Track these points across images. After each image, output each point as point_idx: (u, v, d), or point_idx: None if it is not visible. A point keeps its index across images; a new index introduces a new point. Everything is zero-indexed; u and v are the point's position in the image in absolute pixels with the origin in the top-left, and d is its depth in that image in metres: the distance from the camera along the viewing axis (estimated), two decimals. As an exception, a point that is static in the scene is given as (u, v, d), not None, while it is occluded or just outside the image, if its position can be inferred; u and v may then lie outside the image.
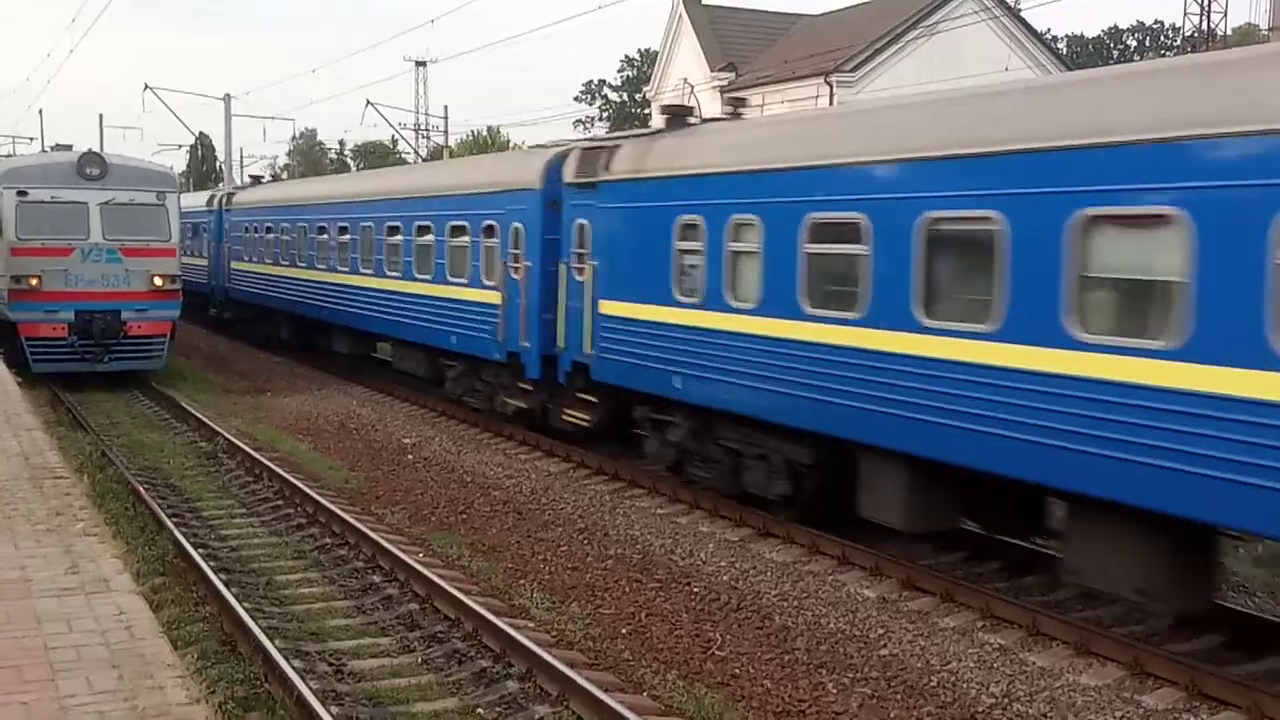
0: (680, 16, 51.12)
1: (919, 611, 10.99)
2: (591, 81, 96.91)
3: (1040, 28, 47.57)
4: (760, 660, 9.93)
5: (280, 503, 15.10)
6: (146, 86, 51.02)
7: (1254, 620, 10.60)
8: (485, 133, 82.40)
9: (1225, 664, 9.53)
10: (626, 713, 8.04)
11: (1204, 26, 49.99)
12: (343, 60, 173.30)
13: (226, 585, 10.94)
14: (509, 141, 78.73)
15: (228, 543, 13.27)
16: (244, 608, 10.22)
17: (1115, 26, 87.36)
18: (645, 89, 59.56)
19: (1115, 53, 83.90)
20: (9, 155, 46.05)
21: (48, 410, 20.09)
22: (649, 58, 71.82)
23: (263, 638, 9.38)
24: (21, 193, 23.34)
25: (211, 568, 11.52)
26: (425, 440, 19.62)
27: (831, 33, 46.15)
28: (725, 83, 48.11)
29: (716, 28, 50.13)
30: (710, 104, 48.29)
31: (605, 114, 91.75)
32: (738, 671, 9.70)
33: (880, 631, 10.52)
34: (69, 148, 27.23)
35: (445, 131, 64.35)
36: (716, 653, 10.11)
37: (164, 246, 24.27)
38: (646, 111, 58.86)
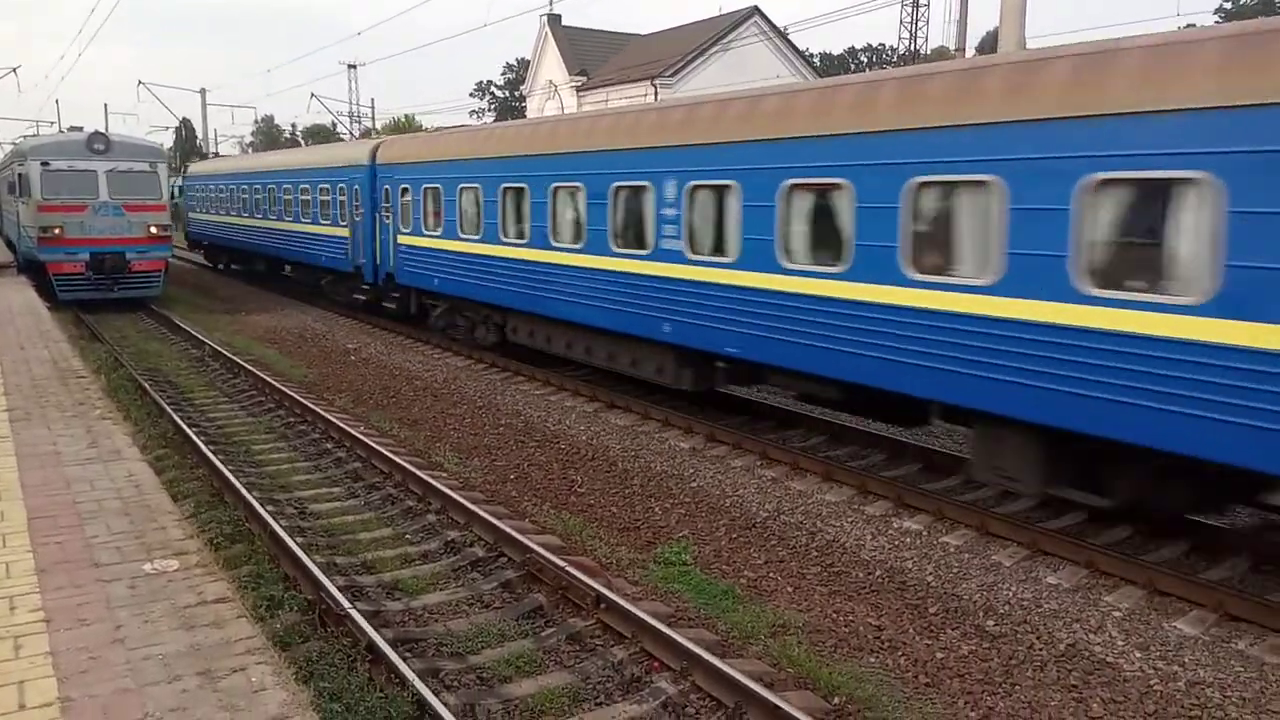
0: (546, 34, 49.87)
1: (719, 457, 11.16)
2: (481, 81, 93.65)
3: (801, 46, 47.64)
4: (609, 494, 10.01)
5: (254, 392, 14.50)
6: (140, 82, 47.99)
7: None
8: (403, 119, 79.16)
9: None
10: (513, 532, 8.03)
11: (912, 48, 50.96)
12: (292, 61, 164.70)
13: (214, 453, 10.51)
14: (421, 126, 75.52)
15: (214, 422, 12.71)
16: (228, 469, 9.84)
17: (853, 47, 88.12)
18: (522, 87, 57.92)
19: (853, 66, 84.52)
20: (34, 135, 42.41)
21: (71, 328, 18.80)
22: (524, 64, 69.59)
23: (243, 490, 9.07)
24: (45, 164, 22.04)
25: (202, 441, 11.03)
26: (363, 345, 19.00)
27: (657, 47, 45.62)
28: (579, 84, 47.18)
29: (573, 42, 49.11)
30: (569, 100, 47.31)
31: (492, 107, 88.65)
32: (593, 502, 9.77)
33: (692, 471, 10.67)
34: (80, 129, 25.35)
35: (373, 118, 61.72)
36: (578, 490, 10.16)
37: (156, 203, 23.00)
38: (523, 104, 57.21)
